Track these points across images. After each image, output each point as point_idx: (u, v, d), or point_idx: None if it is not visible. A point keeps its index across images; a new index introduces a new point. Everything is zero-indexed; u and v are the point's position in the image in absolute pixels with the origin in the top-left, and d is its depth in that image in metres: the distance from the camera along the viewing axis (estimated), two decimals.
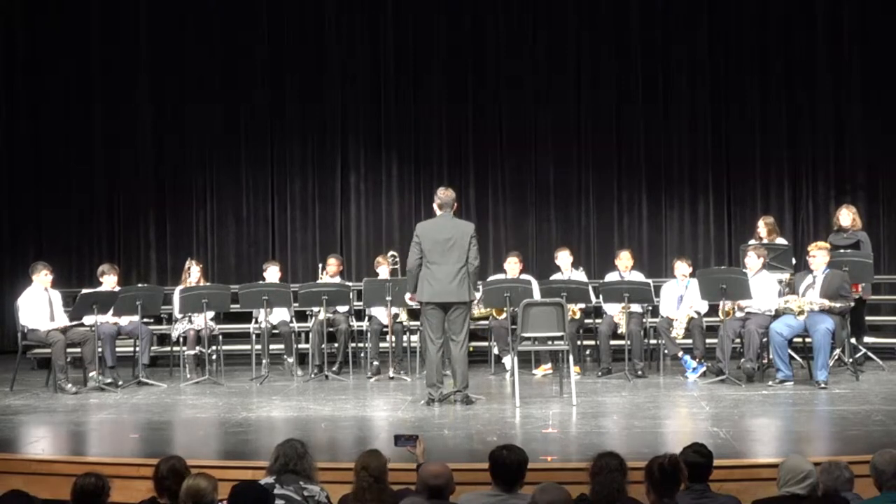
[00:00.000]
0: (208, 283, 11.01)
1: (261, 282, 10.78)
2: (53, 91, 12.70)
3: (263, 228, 12.78)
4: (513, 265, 10.45)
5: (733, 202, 12.52)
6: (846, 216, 10.37)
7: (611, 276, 10.53)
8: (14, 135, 12.73)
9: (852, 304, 9.45)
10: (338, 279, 10.94)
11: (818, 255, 9.41)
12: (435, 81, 12.67)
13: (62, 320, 9.82)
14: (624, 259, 10.47)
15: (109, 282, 10.14)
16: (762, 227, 10.50)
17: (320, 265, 11.18)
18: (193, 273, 10.72)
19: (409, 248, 8.70)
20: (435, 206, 8.72)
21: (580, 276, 10.48)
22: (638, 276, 10.46)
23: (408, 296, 9.06)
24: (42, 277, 9.85)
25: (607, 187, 12.62)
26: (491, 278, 10.52)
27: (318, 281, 10.81)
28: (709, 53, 12.52)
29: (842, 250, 10.09)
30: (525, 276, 10.36)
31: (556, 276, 10.48)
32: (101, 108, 12.74)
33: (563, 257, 10.56)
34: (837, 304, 9.15)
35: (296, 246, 12.74)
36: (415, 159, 12.70)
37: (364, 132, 12.76)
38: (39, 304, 9.79)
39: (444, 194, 8.69)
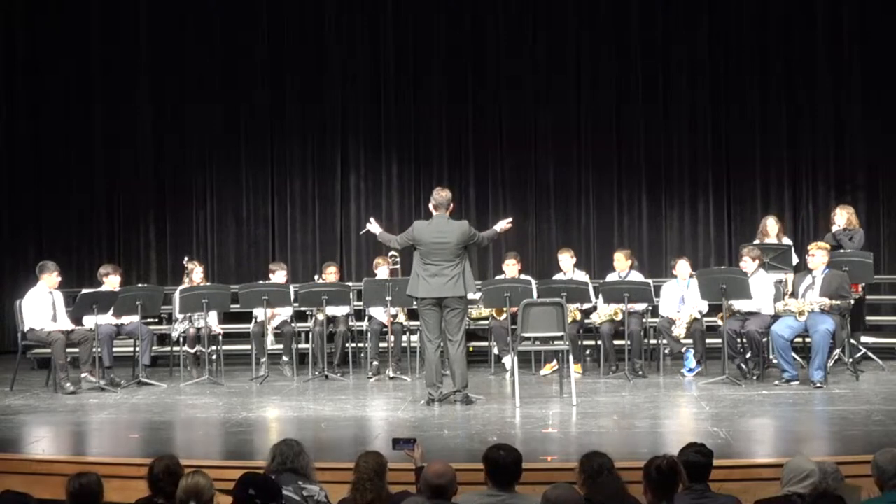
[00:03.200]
0: (208, 283, 11.01)
1: (263, 282, 10.77)
2: (53, 91, 12.69)
3: (263, 228, 12.78)
4: (511, 266, 10.45)
5: (733, 202, 12.51)
6: (842, 216, 10.33)
7: (611, 277, 10.52)
8: (14, 135, 12.72)
9: (852, 302, 9.45)
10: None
11: (818, 254, 9.40)
12: (435, 81, 12.67)
13: (64, 321, 9.82)
14: (618, 260, 10.45)
15: (113, 282, 10.11)
16: (774, 226, 10.44)
17: (316, 276, 11.14)
18: (196, 274, 10.72)
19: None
20: (431, 206, 8.72)
21: (582, 276, 10.48)
22: (638, 277, 10.45)
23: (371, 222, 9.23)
24: (51, 278, 9.84)
25: (607, 187, 12.61)
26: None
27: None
28: (709, 53, 12.51)
29: (840, 250, 10.08)
30: (524, 277, 10.35)
31: (557, 277, 10.48)
32: (101, 108, 12.73)
33: (565, 259, 10.56)
34: (837, 302, 9.15)
35: (296, 246, 12.73)
36: (415, 159, 12.69)
37: (364, 132, 12.75)
38: (43, 305, 9.78)
39: (439, 195, 8.68)
